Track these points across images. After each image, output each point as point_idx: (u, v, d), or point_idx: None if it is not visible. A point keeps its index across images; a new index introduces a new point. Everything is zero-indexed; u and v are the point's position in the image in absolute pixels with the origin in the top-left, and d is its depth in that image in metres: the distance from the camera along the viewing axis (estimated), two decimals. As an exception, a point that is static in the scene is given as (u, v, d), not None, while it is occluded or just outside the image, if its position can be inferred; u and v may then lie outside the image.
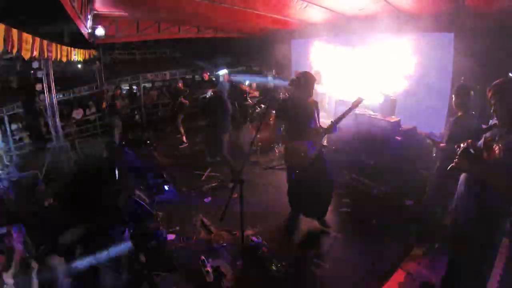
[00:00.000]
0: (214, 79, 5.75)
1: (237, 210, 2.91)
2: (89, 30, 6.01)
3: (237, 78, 8.15)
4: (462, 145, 2.17)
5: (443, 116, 5.25)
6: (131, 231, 3.44)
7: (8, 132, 7.40)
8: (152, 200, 4.51)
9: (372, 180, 4.65)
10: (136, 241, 3.30)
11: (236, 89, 7.66)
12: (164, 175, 5.37)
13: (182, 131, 7.60)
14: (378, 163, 4.58)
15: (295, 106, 3.49)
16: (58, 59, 4.75)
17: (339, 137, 5.08)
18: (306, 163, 3.48)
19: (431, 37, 5.59)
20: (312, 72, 7.00)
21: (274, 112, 3.68)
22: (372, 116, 4.92)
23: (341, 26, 6.76)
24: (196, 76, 11.97)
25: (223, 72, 5.74)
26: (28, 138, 7.98)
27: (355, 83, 6.71)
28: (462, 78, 4.81)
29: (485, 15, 4.60)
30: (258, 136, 6.32)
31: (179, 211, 4.40)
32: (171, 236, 3.73)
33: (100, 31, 6.52)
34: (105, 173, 4.80)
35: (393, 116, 4.78)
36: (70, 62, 5.89)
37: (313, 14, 6.50)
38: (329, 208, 4.41)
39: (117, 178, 4.78)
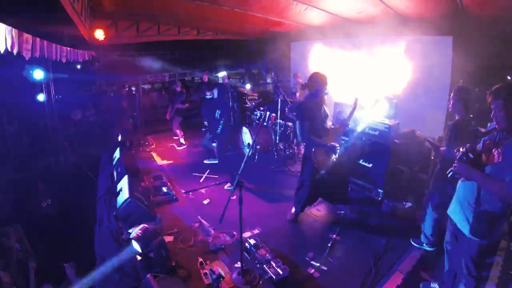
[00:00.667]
0: (214, 81, 5.77)
1: (236, 212, 2.91)
2: (89, 32, 6.02)
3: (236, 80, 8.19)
4: (461, 149, 2.18)
5: (442, 119, 5.27)
6: (130, 233, 3.43)
7: (7, 132, 7.38)
8: (150, 201, 4.51)
9: (371, 183, 4.65)
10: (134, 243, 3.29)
11: (235, 91, 7.67)
12: (163, 177, 5.36)
13: (180, 133, 7.59)
14: (376, 165, 4.59)
15: (316, 107, 3.67)
16: (58, 60, 4.75)
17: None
18: (332, 162, 3.73)
19: (430, 40, 5.63)
20: (310, 73, 6.99)
21: (294, 114, 3.85)
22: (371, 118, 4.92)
23: (341, 29, 6.79)
24: (196, 78, 11.99)
25: (222, 74, 5.75)
26: (26, 138, 7.95)
27: (354, 85, 6.73)
28: (461, 80, 4.84)
29: (484, 18, 4.64)
30: (257, 138, 6.37)
31: (178, 213, 4.39)
32: (169, 238, 3.73)
33: (99, 33, 6.54)
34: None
35: (392, 119, 4.79)
36: (70, 63, 5.89)
37: (313, 17, 6.53)
38: (328, 211, 4.44)
39: (115, 178, 4.78)
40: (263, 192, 5.05)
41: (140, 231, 3.08)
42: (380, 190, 4.52)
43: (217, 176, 5.61)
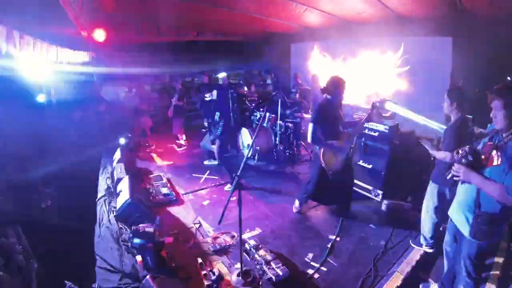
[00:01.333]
0: (214, 82, 5.77)
1: (236, 213, 2.92)
2: (88, 33, 6.02)
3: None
4: (460, 151, 2.19)
5: (441, 120, 5.27)
6: (130, 234, 3.44)
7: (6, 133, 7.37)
8: (150, 202, 4.51)
9: (371, 184, 4.66)
10: (135, 243, 3.30)
11: (234, 93, 7.67)
12: (163, 178, 5.37)
13: (181, 135, 7.58)
14: (376, 166, 4.59)
15: (331, 111, 3.75)
16: (58, 61, 4.76)
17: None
18: (342, 163, 3.83)
19: (430, 41, 5.64)
20: (310, 75, 7.04)
21: (311, 116, 3.93)
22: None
23: (340, 30, 6.80)
24: (196, 79, 11.97)
25: (222, 75, 5.75)
26: (27, 138, 7.94)
27: (353, 86, 6.74)
28: (461, 81, 4.84)
29: (483, 19, 4.64)
30: (256, 140, 6.38)
31: (178, 214, 4.40)
32: (169, 239, 3.72)
33: (99, 33, 6.54)
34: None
35: (391, 120, 4.79)
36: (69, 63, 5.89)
37: (312, 18, 6.54)
38: (327, 211, 4.44)
39: (115, 180, 4.78)
40: (263, 193, 5.06)
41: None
42: (380, 191, 4.53)
43: (217, 177, 5.62)
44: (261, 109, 7.30)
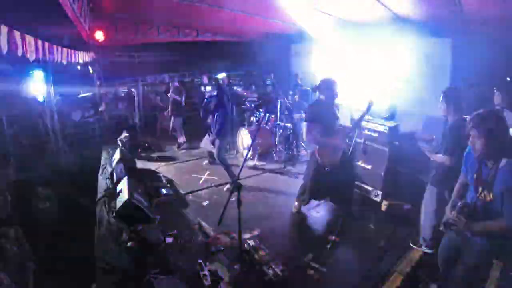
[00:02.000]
0: (213, 82, 5.76)
1: (235, 214, 2.91)
2: (89, 33, 6.04)
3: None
4: (459, 204, 2.18)
5: (441, 121, 5.28)
6: (129, 233, 3.44)
7: (6, 133, 7.37)
8: (150, 203, 4.51)
9: (370, 184, 4.66)
10: (134, 244, 3.30)
11: (234, 93, 7.68)
12: (162, 178, 5.36)
13: (181, 135, 7.58)
14: (376, 167, 4.60)
15: (324, 109, 3.80)
16: (58, 61, 4.76)
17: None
18: (338, 161, 3.85)
19: (429, 42, 5.65)
20: (309, 76, 7.03)
21: (305, 116, 3.97)
22: (370, 120, 4.94)
23: (339, 31, 6.80)
24: (196, 79, 11.97)
25: (222, 75, 5.76)
26: (26, 139, 7.94)
27: (353, 87, 6.75)
28: (460, 82, 4.85)
29: (483, 20, 4.65)
30: (256, 140, 6.38)
31: (177, 214, 4.40)
32: (169, 239, 3.73)
33: (99, 34, 6.55)
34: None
35: (391, 121, 4.80)
36: (69, 64, 5.89)
37: (312, 19, 6.54)
38: (327, 212, 4.45)
39: (115, 180, 4.78)
40: (262, 194, 5.06)
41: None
42: (379, 192, 4.53)
43: (216, 178, 5.61)
44: (261, 110, 7.31)
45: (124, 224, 3.76)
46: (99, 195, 4.91)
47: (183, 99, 7.61)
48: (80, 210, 4.52)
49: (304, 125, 3.88)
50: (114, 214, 3.99)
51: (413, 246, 3.58)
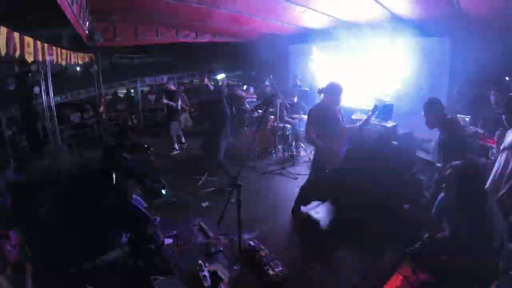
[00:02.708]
0: (212, 83, 5.76)
1: (235, 215, 2.91)
2: (88, 34, 6.04)
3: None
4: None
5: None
6: (129, 235, 3.43)
7: (5, 135, 7.36)
8: (149, 204, 4.50)
9: (370, 185, 4.66)
10: (134, 245, 3.29)
11: (233, 94, 7.68)
12: (162, 180, 5.36)
13: (176, 138, 7.54)
14: (375, 168, 4.59)
15: (326, 113, 3.81)
16: (58, 63, 4.76)
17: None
18: (338, 163, 3.87)
19: (427, 42, 5.66)
20: (308, 76, 7.05)
21: (308, 118, 4.01)
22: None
23: (339, 31, 6.81)
24: (195, 80, 11.98)
25: (221, 76, 5.76)
26: (25, 141, 7.93)
27: (352, 88, 6.75)
28: (456, 89, 4.86)
29: (481, 19, 4.66)
30: (255, 141, 6.38)
31: (177, 216, 4.39)
32: (168, 240, 3.72)
33: (98, 35, 6.55)
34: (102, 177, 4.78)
35: (389, 121, 4.81)
36: (68, 66, 5.90)
37: (311, 19, 6.56)
38: (327, 212, 4.44)
39: (114, 182, 4.77)
40: (262, 194, 5.06)
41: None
42: (379, 192, 4.52)
43: (216, 179, 5.61)
44: (260, 111, 7.31)
45: (123, 225, 3.76)
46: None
47: (179, 102, 7.53)
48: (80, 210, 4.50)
49: (306, 127, 3.90)
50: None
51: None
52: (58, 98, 8.35)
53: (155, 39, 8.61)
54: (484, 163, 3.70)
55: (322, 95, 3.95)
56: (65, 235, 3.56)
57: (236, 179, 2.85)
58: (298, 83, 8.06)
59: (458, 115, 5.10)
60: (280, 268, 3.13)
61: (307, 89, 7.60)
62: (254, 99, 8.27)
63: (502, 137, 3.23)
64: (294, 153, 6.75)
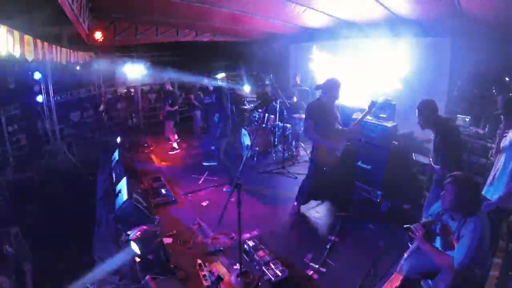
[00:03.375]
0: (212, 83, 5.75)
1: (235, 214, 2.91)
2: (88, 33, 6.03)
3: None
4: (427, 218, 2.48)
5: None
6: (129, 235, 3.42)
7: (5, 134, 7.36)
8: (149, 203, 4.50)
9: (370, 184, 4.66)
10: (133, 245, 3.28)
11: (233, 94, 7.68)
12: (161, 178, 5.36)
13: (173, 138, 7.52)
14: (375, 167, 4.60)
15: (324, 109, 3.83)
16: (58, 61, 4.75)
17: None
18: (335, 160, 3.89)
19: (428, 42, 5.65)
20: (309, 76, 7.03)
21: (305, 113, 4.06)
22: (369, 120, 4.93)
23: (339, 31, 6.80)
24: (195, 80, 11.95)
25: (221, 76, 5.75)
26: (25, 139, 7.92)
27: (352, 87, 6.75)
28: (455, 89, 4.85)
29: (482, 20, 4.65)
30: (256, 140, 6.38)
31: (176, 215, 4.39)
32: (168, 240, 3.72)
33: (98, 34, 6.54)
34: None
35: (390, 121, 4.81)
36: (68, 64, 5.89)
37: (312, 19, 6.54)
38: (327, 212, 4.45)
39: (114, 180, 4.77)
40: (262, 194, 5.06)
41: (139, 232, 3.07)
42: (379, 192, 4.53)
43: (216, 178, 5.61)
44: (260, 110, 7.31)
45: (123, 225, 3.76)
46: (98, 195, 4.91)
47: (178, 102, 7.53)
48: (80, 210, 4.51)
49: (304, 123, 3.92)
50: (113, 214, 3.98)
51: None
52: (58, 98, 8.33)
53: (155, 38, 8.60)
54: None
55: (320, 91, 3.98)
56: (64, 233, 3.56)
57: (236, 178, 2.85)
58: (298, 82, 8.04)
59: (458, 115, 5.12)
60: (280, 268, 3.13)
61: (307, 88, 7.59)
62: (254, 99, 8.25)
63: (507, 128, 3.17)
64: (294, 153, 6.75)
